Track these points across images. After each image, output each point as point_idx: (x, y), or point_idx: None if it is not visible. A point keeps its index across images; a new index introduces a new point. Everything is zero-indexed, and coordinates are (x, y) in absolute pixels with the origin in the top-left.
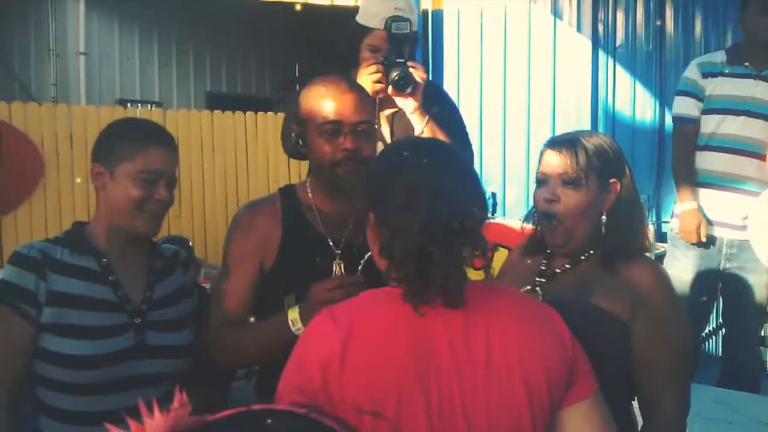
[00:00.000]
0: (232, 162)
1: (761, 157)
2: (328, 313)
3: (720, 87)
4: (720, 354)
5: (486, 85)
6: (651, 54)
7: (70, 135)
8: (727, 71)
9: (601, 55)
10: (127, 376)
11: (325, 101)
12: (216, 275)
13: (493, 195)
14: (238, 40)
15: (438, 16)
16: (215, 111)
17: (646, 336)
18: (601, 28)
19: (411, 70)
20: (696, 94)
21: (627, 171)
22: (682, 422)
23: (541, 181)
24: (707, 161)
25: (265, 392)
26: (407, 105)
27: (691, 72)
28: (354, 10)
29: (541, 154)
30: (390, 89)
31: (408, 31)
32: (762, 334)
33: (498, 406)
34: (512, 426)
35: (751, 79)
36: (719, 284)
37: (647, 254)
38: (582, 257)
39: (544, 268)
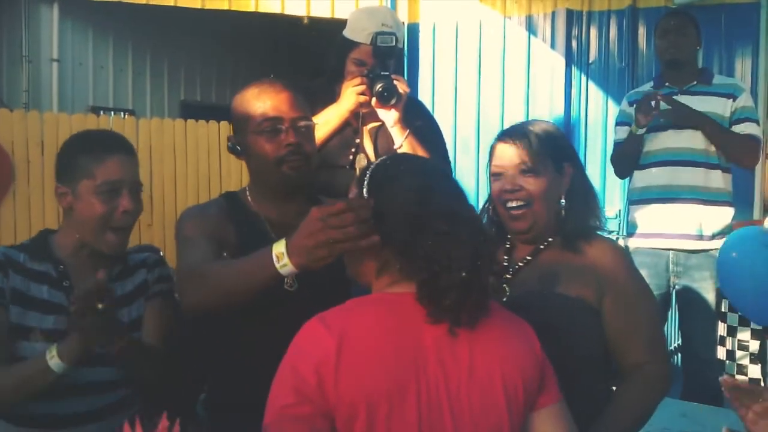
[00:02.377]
0: (206, 171)
1: (693, 164)
2: (319, 319)
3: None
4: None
5: (461, 99)
6: (623, 70)
7: (41, 142)
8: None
9: (575, 70)
10: (76, 382)
11: (261, 100)
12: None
13: None
14: (213, 49)
15: (414, 29)
16: (189, 120)
17: (616, 313)
18: (574, 44)
19: (395, 82)
20: (628, 122)
21: (576, 153)
22: (666, 382)
23: (498, 174)
24: (646, 178)
25: (214, 406)
26: (389, 117)
27: (623, 105)
28: (330, 22)
29: (492, 148)
30: (374, 101)
31: (393, 44)
32: (728, 348)
33: (480, 407)
34: (493, 425)
35: (674, 96)
36: (672, 300)
37: (603, 233)
38: (542, 246)
39: (506, 264)
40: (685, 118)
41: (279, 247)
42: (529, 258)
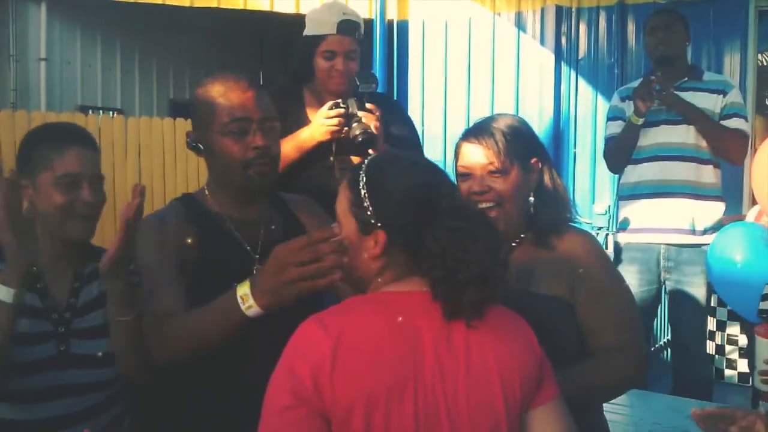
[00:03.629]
0: (195, 170)
1: (685, 159)
2: (316, 320)
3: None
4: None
5: (450, 96)
6: (612, 67)
7: None
8: None
9: (564, 67)
10: (50, 385)
11: (227, 98)
12: (139, 283)
13: None
14: (202, 47)
15: (403, 26)
16: (178, 119)
17: (587, 303)
18: (564, 40)
19: (365, 118)
20: (620, 117)
21: (544, 148)
22: (636, 369)
23: (465, 174)
24: (637, 174)
25: (195, 411)
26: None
27: (614, 100)
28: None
29: (458, 147)
30: (353, 149)
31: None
32: (717, 343)
33: (478, 407)
34: (490, 424)
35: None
36: (662, 296)
37: (574, 224)
38: (513, 244)
39: None
40: (680, 110)
41: (243, 289)
42: None
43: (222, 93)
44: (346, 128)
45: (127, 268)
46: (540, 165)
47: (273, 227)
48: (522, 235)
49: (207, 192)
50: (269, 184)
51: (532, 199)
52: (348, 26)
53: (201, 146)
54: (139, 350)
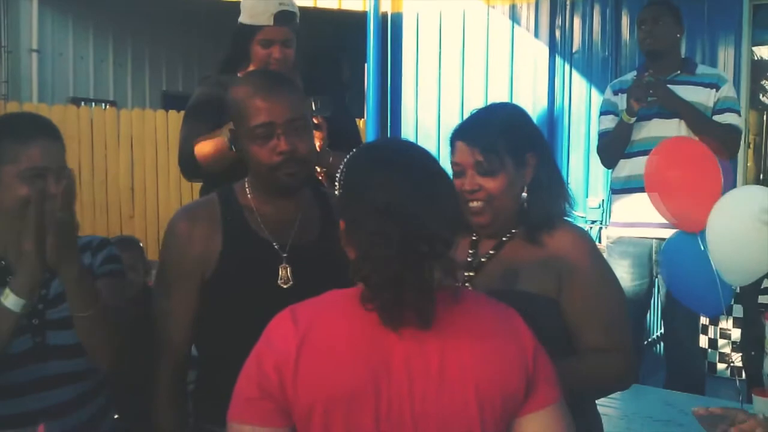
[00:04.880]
0: None
1: None
2: (290, 311)
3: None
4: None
5: (444, 88)
6: (607, 60)
7: None
8: None
9: (558, 60)
10: (31, 378)
11: (253, 102)
12: (155, 290)
13: None
14: (195, 40)
15: (397, 18)
16: (170, 111)
17: (576, 302)
18: (558, 33)
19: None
20: (613, 111)
21: (541, 140)
22: (624, 371)
23: (458, 172)
24: (629, 167)
25: (202, 399)
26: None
27: (607, 93)
28: (312, 12)
29: (451, 142)
30: None
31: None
32: (710, 337)
33: (449, 415)
34: None
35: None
36: (655, 289)
37: (568, 218)
38: (504, 238)
39: (470, 259)
40: (671, 106)
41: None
42: (492, 252)
43: (248, 95)
44: None
45: (75, 256)
46: (535, 159)
47: (307, 225)
48: (513, 231)
49: (246, 185)
50: (300, 183)
51: (525, 194)
52: (285, 17)
53: (234, 148)
54: (107, 343)
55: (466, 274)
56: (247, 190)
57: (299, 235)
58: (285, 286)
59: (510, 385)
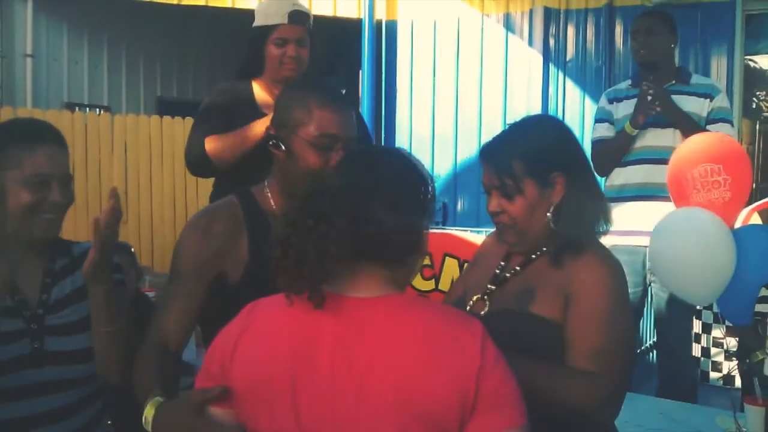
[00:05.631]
0: (182, 168)
1: None
2: (253, 303)
3: (624, 108)
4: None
5: (438, 96)
6: (600, 68)
7: None
8: (631, 94)
9: (552, 68)
10: (26, 383)
11: (324, 112)
12: (167, 279)
13: (444, 205)
14: (190, 45)
15: (392, 26)
16: (165, 116)
17: (570, 324)
18: (552, 42)
19: None
20: (607, 119)
21: (574, 158)
22: (597, 398)
23: (486, 191)
24: (623, 176)
25: None
26: None
27: (601, 102)
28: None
29: (480, 161)
30: None
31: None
32: (703, 345)
33: (366, 421)
34: None
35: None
36: (648, 297)
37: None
38: (534, 255)
39: (498, 271)
40: (673, 116)
41: (149, 411)
42: (518, 268)
43: (318, 103)
44: None
45: (109, 273)
46: (563, 179)
47: None
48: (544, 248)
49: (268, 190)
50: None
51: (549, 215)
52: (299, 15)
53: (282, 145)
54: (121, 360)
55: (488, 286)
56: (268, 194)
57: None
58: None
59: (435, 401)
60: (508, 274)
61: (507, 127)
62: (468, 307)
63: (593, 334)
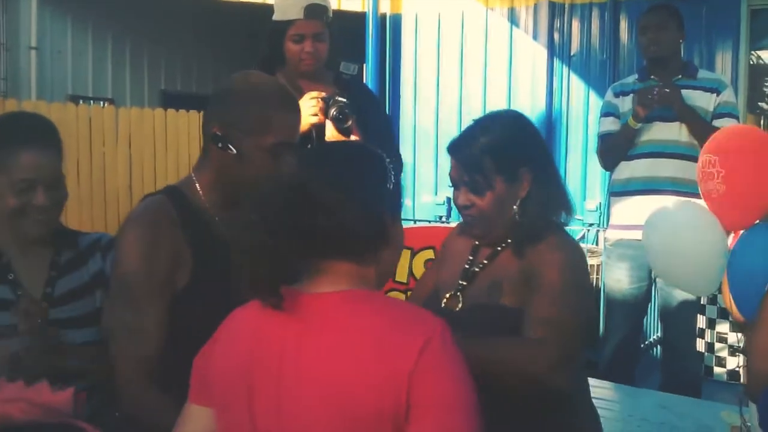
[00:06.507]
0: (186, 161)
1: (678, 157)
2: (243, 306)
3: (630, 103)
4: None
5: (443, 90)
6: (605, 63)
7: None
8: (638, 88)
9: (557, 62)
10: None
11: (278, 117)
12: (114, 305)
13: (448, 200)
14: (194, 38)
15: (396, 20)
16: (169, 110)
17: (530, 307)
18: (557, 36)
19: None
20: (613, 113)
21: (539, 153)
22: (548, 363)
23: (454, 185)
24: (629, 170)
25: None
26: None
27: (608, 96)
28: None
29: (449, 155)
30: (331, 127)
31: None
32: (707, 340)
33: (305, 427)
34: None
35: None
36: (653, 292)
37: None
38: (499, 248)
39: (468, 266)
40: (681, 112)
41: None
42: (485, 262)
43: (276, 107)
44: (323, 116)
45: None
46: (530, 174)
47: None
48: (509, 239)
49: (198, 186)
50: None
51: (516, 208)
52: (315, 9)
53: (232, 147)
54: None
55: (460, 282)
56: (199, 190)
57: None
58: None
59: (367, 404)
60: (477, 269)
61: (473, 122)
62: (442, 305)
63: (545, 306)
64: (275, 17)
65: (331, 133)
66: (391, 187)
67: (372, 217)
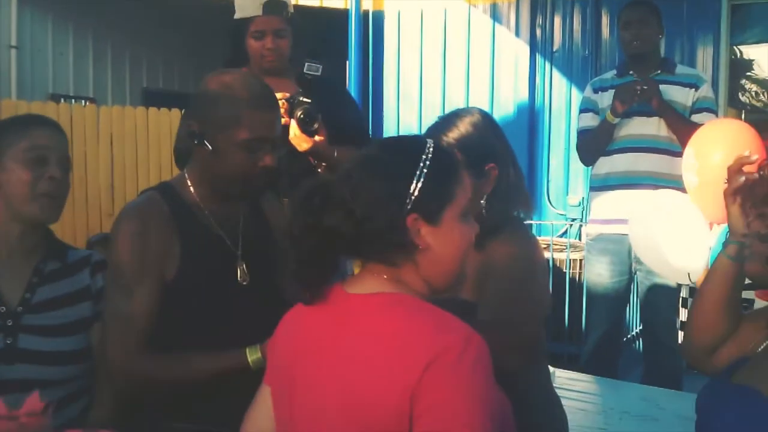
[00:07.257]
0: (168, 159)
1: (657, 151)
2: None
3: (609, 98)
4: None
5: (425, 86)
6: (587, 58)
7: None
8: (617, 83)
9: (539, 58)
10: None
11: (253, 112)
12: (110, 297)
13: None
14: (176, 37)
15: (378, 17)
16: (151, 108)
17: (487, 287)
18: (539, 32)
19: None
20: (592, 109)
21: (504, 149)
22: (503, 344)
23: None
24: (608, 165)
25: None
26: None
27: (587, 91)
28: (295, 8)
29: None
30: (296, 128)
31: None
32: None
33: (326, 426)
34: None
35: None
36: (633, 286)
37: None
38: None
39: None
40: (661, 108)
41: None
42: None
43: (252, 103)
44: (288, 116)
45: None
46: (496, 170)
47: (248, 220)
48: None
49: (189, 182)
50: (260, 193)
51: (483, 202)
52: (274, 5)
53: (207, 144)
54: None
55: None
56: (189, 186)
57: (247, 230)
58: (244, 284)
59: (376, 410)
60: None
61: (438, 119)
62: None
63: (495, 292)
64: (236, 15)
65: (294, 134)
66: (420, 186)
67: (381, 217)
